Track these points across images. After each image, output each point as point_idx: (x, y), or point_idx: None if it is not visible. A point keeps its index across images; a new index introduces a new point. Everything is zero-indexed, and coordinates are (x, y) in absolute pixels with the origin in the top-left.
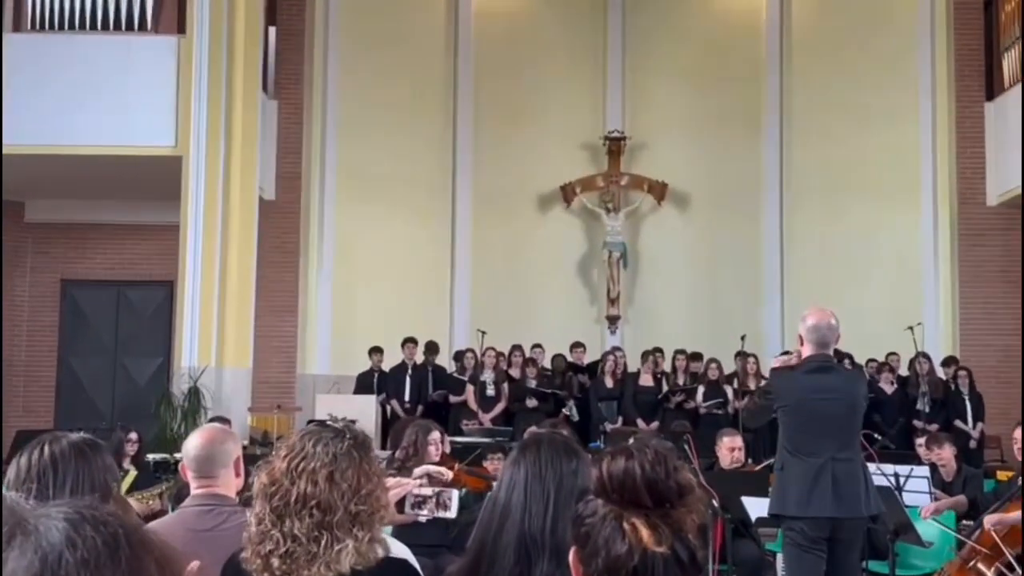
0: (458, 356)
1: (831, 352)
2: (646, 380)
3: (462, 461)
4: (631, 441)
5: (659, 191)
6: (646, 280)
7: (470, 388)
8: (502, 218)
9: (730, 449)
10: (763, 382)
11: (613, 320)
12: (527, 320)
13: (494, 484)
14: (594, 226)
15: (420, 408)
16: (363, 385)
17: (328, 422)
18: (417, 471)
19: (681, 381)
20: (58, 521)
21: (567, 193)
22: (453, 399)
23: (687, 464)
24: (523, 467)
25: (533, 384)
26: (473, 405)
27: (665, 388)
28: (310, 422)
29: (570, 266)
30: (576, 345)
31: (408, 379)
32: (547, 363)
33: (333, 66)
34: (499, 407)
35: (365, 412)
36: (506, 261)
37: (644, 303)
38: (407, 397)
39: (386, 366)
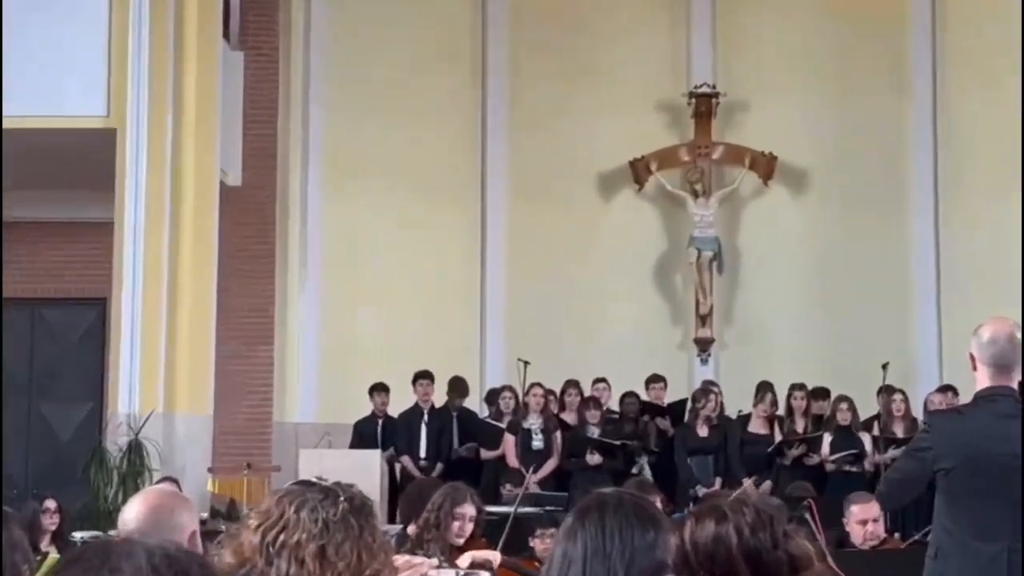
0: (492, 396)
1: (1017, 381)
2: (757, 426)
3: (497, 541)
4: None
5: (765, 167)
6: (749, 289)
7: (509, 439)
8: (549, 210)
9: (861, 521)
10: (919, 428)
11: (704, 345)
12: (585, 346)
13: (543, 569)
14: (676, 216)
15: (440, 467)
16: (363, 437)
17: (316, 482)
18: (462, 560)
19: (800, 427)
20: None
21: (639, 172)
22: (486, 454)
23: (803, 530)
24: (582, 540)
25: (595, 433)
26: (514, 462)
27: (779, 437)
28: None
29: (644, 272)
30: (654, 379)
31: (424, 428)
32: (614, 404)
33: (319, 4)
34: (549, 465)
35: (366, 473)
36: (555, 267)
37: (747, 321)
38: (423, 452)
39: (394, 410)
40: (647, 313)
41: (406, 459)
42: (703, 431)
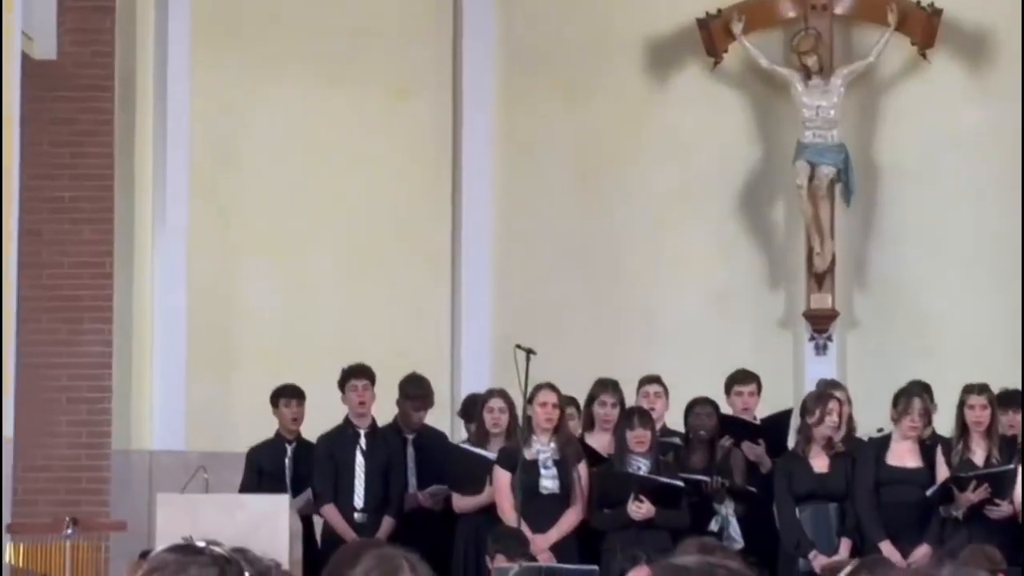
0: (471, 408)
1: None
2: (902, 454)
3: None
4: None
5: (923, 28)
6: (895, 233)
7: (502, 478)
8: (561, 99)
9: None
10: None
11: (821, 321)
12: (626, 325)
13: None
14: (776, 109)
15: (388, 522)
16: (262, 473)
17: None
18: None
19: (980, 457)
20: None
21: (713, 36)
22: (462, 502)
23: None
24: None
25: (643, 467)
26: (510, 515)
27: (943, 472)
28: (145, 553)
29: (721, 203)
30: (739, 379)
31: (361, 458)
32: (675, 420)
33: None
34: (568, 519)
35: (267, 532)
36: (572, 196)
37: (890, 284)
38: (359, 498)
39: (312, 431)
40: (727, 270)
41: (331, 510)
42: (820, 463)
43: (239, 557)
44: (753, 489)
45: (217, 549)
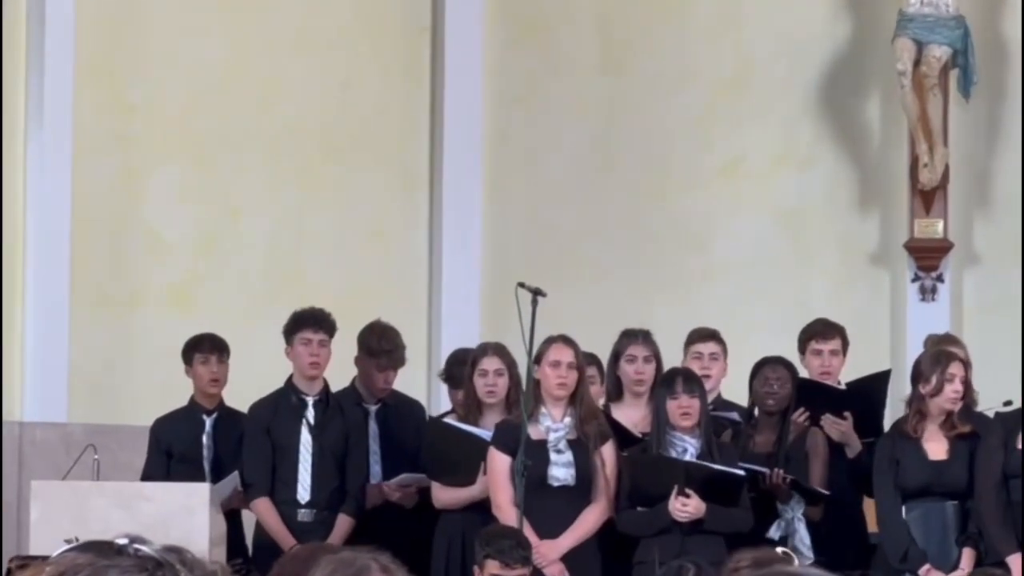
0: (457, 368)
1: None
2: None
3: None
4: None
5: None
6: None
7: (498, 462)
8: None
9: None
10: None
11: (928, 255)
12: (665, 258)
13: None
14: None
15: (344, 521)
16: (171, 454)
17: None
18: None
19: None
20: None
21: None
22: (444, 495)
23: None
24: None
25: (691, 451)
26: (508, 512)
27: None
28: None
29: (793, 92)
30: (819, 332)
31: (308, 436)
32: (734, 388)
33: None
34: (588, 520)
35: (178, 531)
36: (593, 83)
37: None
38: (305, 488)
39: (242, 398)
40: (801, 186)
41: (265, 505)
42: (936, 447)
43: (173, 559)
44: (826, 492)
45: (144, 549)
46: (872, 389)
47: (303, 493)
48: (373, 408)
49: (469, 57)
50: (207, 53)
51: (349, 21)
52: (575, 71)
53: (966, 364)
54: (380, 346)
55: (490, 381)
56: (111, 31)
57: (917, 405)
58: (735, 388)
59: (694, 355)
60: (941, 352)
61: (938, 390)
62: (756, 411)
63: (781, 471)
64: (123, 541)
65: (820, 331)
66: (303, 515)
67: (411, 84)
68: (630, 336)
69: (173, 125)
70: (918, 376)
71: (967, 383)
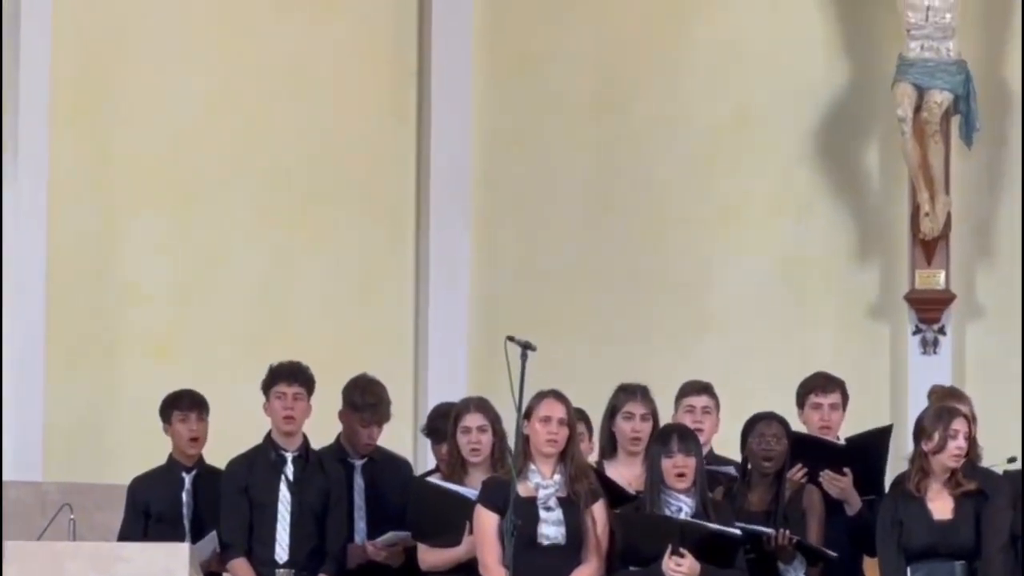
0: (439, 423)
1: None
2: None
3: None
4: None
5: None
6: None
7: (486, 521)
8: None
9: None
10: None
11: (929, 307)
12: (660, 310)
13: None
14: (870, 12)
15: None
16: (149, 513)
17: None
18: None
19: None
20: None
21: None
22: (430, 556)
23: None
24: None
25: (685, 508)
26: (495, 573)
27: None
28: None
29: (792, 138)
30: (818, 386)
31: (288, 493)
32: (727, 444)
33: None
34: None
35: None
36: (588, 127)
37: None
38: (283, 548)
39: (220, 455)
40: (799, 236)
41: (242, 566)
42: (941, 506)
43: None
44: (832, 554)
45: None
46: (873, 444)
47: (281, 553)
48: (358, 464)
49: (457, 100)
50: (188, 98)
51: (335, 65)
52: (567, 113)
53: (970, 419)
54: (364, 400)
55: (473, 438)
56: (88, 75)
57: (920, 463)
58: (730, 444)
59: (686, 408)
60: (944, 408)
61: (941, 447)
62: (749, 467)
63: (787, 531)
64: None
65: (820, 384)
66: (281, 575)
67: (398, 127)
68: (628, 392)
69: (152, 171)
70: (920, 432)
71: (972, 439)
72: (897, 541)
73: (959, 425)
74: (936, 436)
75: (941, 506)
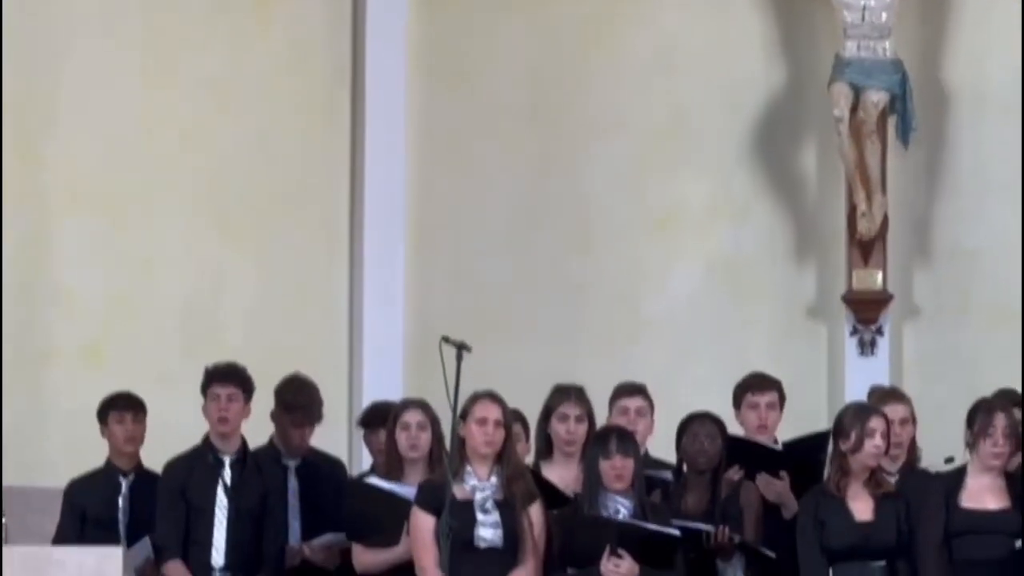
0: (376, 422)
1: None
2: (981, 492)
3: None
4: None
5: None
6: (972, 186)
7: (422, 523)
8: None
9: None
10: None
11: (867, 308)
12: (596, 314)
13: None
14: (806, 11)
15: None
16: (85, 517)
17: None
18: None
19: None
20: None
21: None
22: (365, 557)
23: None
24: None
25: (623, 511)
26: (433, 575)
27: None
28: None
29: (728, 140)
30: (754, 385)
31: (224, 496)
32: (663, 445)
33: None
34: None
35: None
36: (522, 132)
37: (965, 253)
38: (219, 551)
39: (156, 458)
40: (736, 237)
41: (178, 569)
42: (862, 506)
43: None
44: (771, 554)
45: None
46: (810, 449)
47: (217, 557)
48: (292, 465)
49: (391, 107)
50: (120, 106)
51: (267, 75)
52: (502, 120)
53: (906, 420)
54: (296, 400)
55: (412, 435)
56: (20, 82)
57: (839, 462)
58: (669, 446)
59: (620, 410)
60: (862, 406)
61: (858, 446)
62: (685, 469)
63: (727, 528)
64: None
65: (756, 384)
66: None
67: (332, 135)
68: (563, 393)
69: (85, 178)
70: (839, 432)
71: (906, 438)
72: (817, 540)
73: (876, 424)
74: (853, 435)
75: (862, 507)
